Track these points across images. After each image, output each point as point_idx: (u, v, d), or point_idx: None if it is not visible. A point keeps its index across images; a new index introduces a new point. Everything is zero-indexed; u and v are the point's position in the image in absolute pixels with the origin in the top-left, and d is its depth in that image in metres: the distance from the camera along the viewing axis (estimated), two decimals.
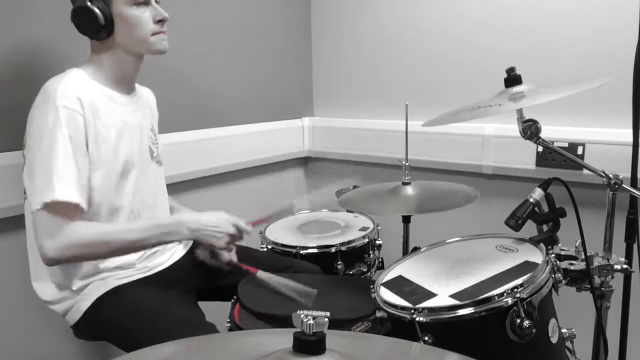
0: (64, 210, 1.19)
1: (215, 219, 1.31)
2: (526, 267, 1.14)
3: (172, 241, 1.34)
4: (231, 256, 1.48)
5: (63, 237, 1.17)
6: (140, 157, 1.38)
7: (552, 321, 1.08)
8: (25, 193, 1.25)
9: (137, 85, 1.45)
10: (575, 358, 1.20)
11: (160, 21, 1.31)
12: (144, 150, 1.41)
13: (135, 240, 1.25)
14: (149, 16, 1.29)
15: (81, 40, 1.31)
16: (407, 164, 1.54)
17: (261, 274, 1.41)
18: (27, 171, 1.22)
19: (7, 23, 1.47)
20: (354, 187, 1.74)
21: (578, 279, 1.22)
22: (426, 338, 1.00)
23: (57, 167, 1.18)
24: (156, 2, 1.32)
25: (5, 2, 1.46)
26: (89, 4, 1.24)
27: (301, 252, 1.58)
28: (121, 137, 1.31)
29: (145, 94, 1.51)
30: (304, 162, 2.57)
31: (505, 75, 1.25)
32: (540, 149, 1.81)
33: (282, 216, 1.81)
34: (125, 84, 1.37)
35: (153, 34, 1.30)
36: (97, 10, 1.24)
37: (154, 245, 1.31)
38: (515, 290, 1.00)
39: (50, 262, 1.20)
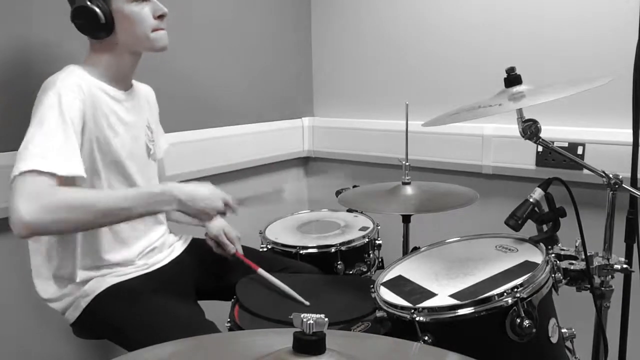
0: (51, 180, 1.11)
1: (208, 193, 1.27)
2: (526, 266, 1.13)
3: (160, 211, 1.24)
4: (237, 248, 1.51)
5: (43, 199, 1.06)
6: (137, 155, 1.38)
7: (552, 321, 1.08)
8: None
9: (134, 82, 1.44)
10: (575, 358, 1.20)
11: (160, 16, 1.31)
12: (141, 147, 1.41)
13: (121, 207, 1.14)
14: (148, 12, 1.29)
15: (81, 40, 1.31)
16: (407, 164, 1.54)
17: (261, 272, 1.42)
18: (22, 144, 1.14)
19: (6, 23, 1.46)
20: (354, 187, 1.74)
21: (578, 279, 1.22)
22: (426, 338, 1.00)
23: (55, 140, 1.14)
24: None
25: (4, 2, 1.46)
26: (88, 3, 1.24)
27: (301, 252, 1.58)
28: (117, 133, 1.31)
29: (143, 89, 1.50)
30: (304, 162, 2.57)
31: (505, 75, 1.25)
32: (540, 149, 1.81)
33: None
34: (122, 82, 1.36)
35: (153, 30, 1.30)
36: (97, 9, 1.24)
37: (141, 215, 1.19)
38: (515, 290, 1.00)
39: (26, 228, 1.05)
